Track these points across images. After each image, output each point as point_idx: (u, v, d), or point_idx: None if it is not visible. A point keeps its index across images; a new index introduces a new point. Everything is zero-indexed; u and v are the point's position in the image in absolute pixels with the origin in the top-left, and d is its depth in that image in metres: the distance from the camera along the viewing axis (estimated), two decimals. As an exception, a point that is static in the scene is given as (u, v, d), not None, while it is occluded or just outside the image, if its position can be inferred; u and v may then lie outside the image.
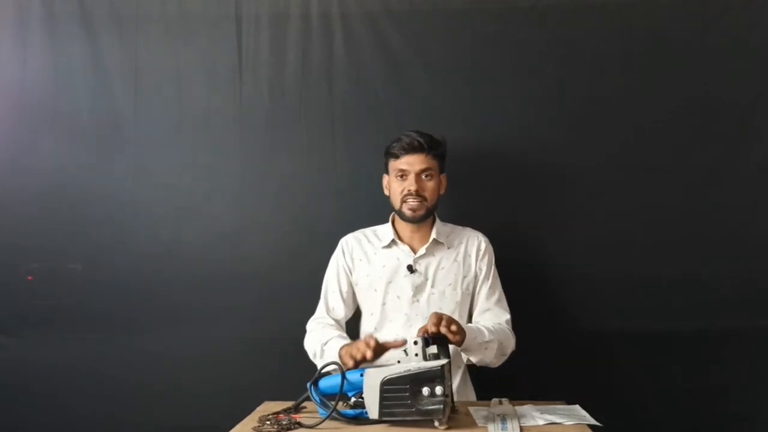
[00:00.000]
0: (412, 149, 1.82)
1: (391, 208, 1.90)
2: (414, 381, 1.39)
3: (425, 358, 1.45)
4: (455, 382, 1.82)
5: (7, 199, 2.17)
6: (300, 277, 2.07)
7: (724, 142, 2.09)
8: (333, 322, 1.86)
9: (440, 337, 1.53)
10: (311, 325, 1.88)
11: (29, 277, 2.18)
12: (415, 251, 1.87)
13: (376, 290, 1.86)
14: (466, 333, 1.63)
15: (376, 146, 2.03)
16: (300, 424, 1.47)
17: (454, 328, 1.55)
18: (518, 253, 2.09)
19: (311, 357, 1.83)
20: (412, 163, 1.82)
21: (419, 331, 1.54)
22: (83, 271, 2.17)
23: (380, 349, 1.58)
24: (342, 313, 1.89)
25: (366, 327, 1.89)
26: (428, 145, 1.83)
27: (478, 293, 1.88)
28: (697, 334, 2.06)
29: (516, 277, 2.02)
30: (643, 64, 2.10)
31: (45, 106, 2.18)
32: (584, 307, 2.10)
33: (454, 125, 2.11)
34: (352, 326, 1.93)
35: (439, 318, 1.54)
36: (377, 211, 1.98)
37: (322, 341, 1.77)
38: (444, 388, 1.37)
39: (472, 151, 2.11)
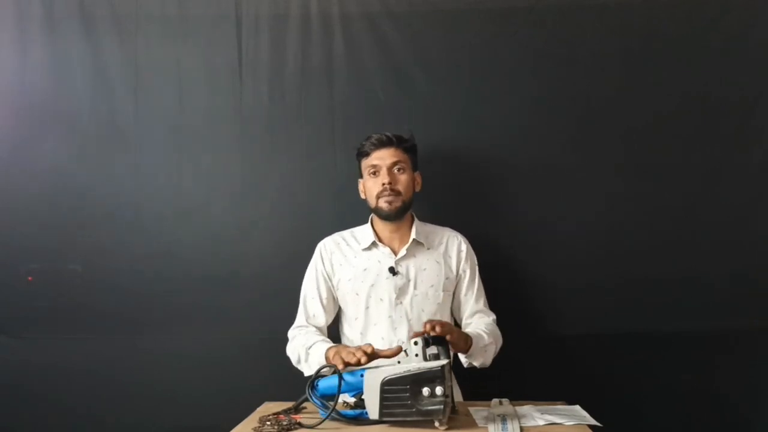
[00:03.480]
0: (381, 144, 1.85)
1: (369, 210, 1.91)
2: (414, 381, 1.39)
3: (425, 359, 1.45)
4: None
5: (7, 199, 2.17)
6: (300, 278, 2.06)
7: (724, 142, 2.09)
8: (315, 330, 1.85)
9: (440, 337, 1.53)
10: (292, 333, 1.87)
11: (29, 278, 2.18)
12: (395, 253, 1.87)
13: (358, 294, 1.85)
14: (473, 341, 1.68)
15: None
16: (300, 425, 1.47)
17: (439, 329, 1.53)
18: (519, 253, 2.09)
19: (294, 363, 1.83)
20: (382, 157, 1.85)
21: (421, 331, 1.53)
22: (83, 272, 2.17)
23: (374, 356, 1.55)
24: (323, 320, 1.88)
25: (350, 332, 1.88)
26: (397, 139, 1.86)
27: (465, 296, 1.89)
28: (697, 335, 2.06)
29: (517, 278, 2.03)
30: (642, 64, 2.10)
31: (45, 106, 2.18)
32: (584, 307, 2.10)
33: (453, 125, 2.12)
34: (332, 332, 1.92)
35: (433, 324, 1.53)
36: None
37: (306, 345, 1.76)
38: (444, 388, 1.38)
39: (471, 151, 2.11)
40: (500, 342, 1.83)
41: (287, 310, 2.02)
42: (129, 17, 2.17)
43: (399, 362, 1.48)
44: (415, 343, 1.46)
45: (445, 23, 2.13)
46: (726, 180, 2.09)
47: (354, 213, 2.03)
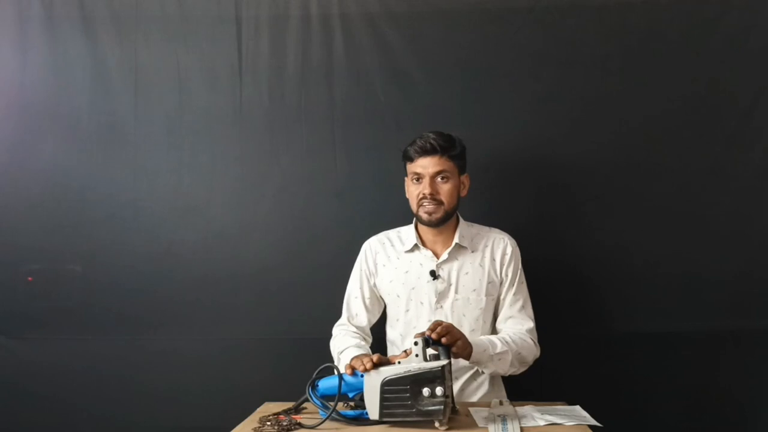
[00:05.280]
0: (425, 152, 1.78)
1: (411, 212, 1.87)
2: (414, 382, 1.39)
3: (426, 359, 1.44)
4: (484, 387, 1.82)
5: (7, 199, 2.18)
6: (300, 278, 2.07)
7: (724, 142, 2.09)
8: (355, 329, 1.84)
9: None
10: (335, 331, 1.87)
11: (29, 278, 2.18)
12: (437, 256, 1.84)
13: (399, 296, 1.84)
14: (473, 347, 1.61)
15: (376, 147, 2.04)
16: (300, 425, 1.47)
17: (447, 339, 1.50)
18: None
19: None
20: (426, 165, 1.78)
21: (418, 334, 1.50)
22: (83, 272, 2.17)
23: (382, 363, 1.51)
24: (365, 320, 1.86)
25: (392, 333, 1.88)
26: (442, 148, 1.77)
27: (503, 299, 1.85)
28: (697, 335, 2.06)
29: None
30: (642, 64, 2.10)
31: (45, 107, 2.18)
32: (585, 308, 2.10)
33: (453, 126, 2.10)
34: (378, 330, 1.90)
35: (435, 325, 1.52)
36: (377, 211, 1.98)
37: (339, 350, 1.77)
38: (444, 388, 1.38)
39: (471, 151, 2.10)
40: (529, 353, 1.75)
41: (287, 310, 2.02)
42: (129, 17, 2.17)
43: (399, 362, 1.48)
44: (416, 344, 1.46)
45: (445, 23, 2.13)
46: (726, 180, 2.09)
47: (353, 214, 2.03)
